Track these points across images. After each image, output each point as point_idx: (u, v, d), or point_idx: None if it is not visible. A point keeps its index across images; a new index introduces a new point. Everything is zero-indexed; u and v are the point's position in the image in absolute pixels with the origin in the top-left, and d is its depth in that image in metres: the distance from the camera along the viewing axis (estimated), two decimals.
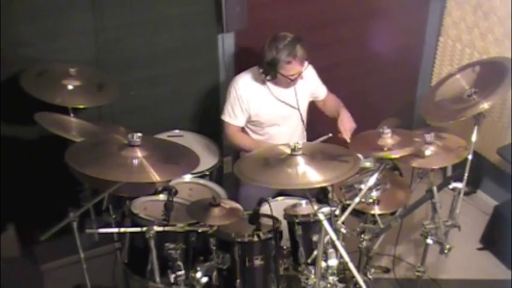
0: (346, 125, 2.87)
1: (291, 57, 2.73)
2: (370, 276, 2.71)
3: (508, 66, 2.44)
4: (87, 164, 2.02)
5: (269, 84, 2.88)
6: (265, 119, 2.94)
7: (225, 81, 3.22)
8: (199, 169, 2.66)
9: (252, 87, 2.88)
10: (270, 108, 2.91)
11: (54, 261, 3.15)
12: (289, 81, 2.81)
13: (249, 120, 2.96)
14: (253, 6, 3.11)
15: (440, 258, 2.63)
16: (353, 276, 2.20)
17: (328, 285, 2.25)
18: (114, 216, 2.59)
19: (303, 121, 3.00)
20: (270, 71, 2.77)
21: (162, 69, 3.09)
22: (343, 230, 2.36)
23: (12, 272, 2.78)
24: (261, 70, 2.81)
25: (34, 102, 2.42)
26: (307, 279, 2.33)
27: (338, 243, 2.08)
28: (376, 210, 2.57)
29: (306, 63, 2.84)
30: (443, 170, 3.01)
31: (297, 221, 2.39)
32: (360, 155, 2.28)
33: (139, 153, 2.07)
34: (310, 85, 3.02)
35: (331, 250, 2.18)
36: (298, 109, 2.94)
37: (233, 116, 2.90)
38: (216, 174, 2.92)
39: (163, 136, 2.99)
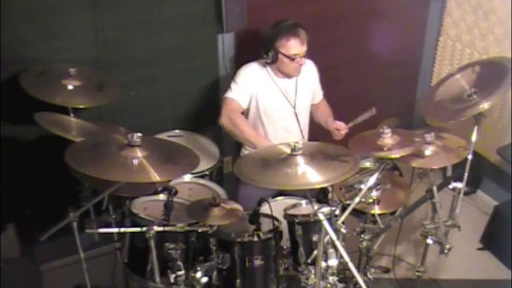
0: (341, 125, 2.90)
1: (291, 34, 2.73)
2: (370, 276, 2.71)
3: (508, 66, 2.44)
4: (87, 164, 2.02)
5: (274, 77, 2.87)
6: (265, 110, 2.91)
7: (225, 81, 3.22)
8: (199, 169, 2.66)
9: (258, 74, 2.87)
10: (270, 100, 2.89)
11: (54, 261, 3.15)
12: (291, 66, 2.78)
13: (252, 113, 2.94)
14: (253, 6, 3.11)
15: (440, 258, 2.63)
16: (353, 276, 2.20)
17: (328, 285, 2.25)
18: (114, 216, 2.58)
19: (298, 122, 2.96)
20: (270, 50, 2.76)
21: (162, 69, 3.08)
22: (343, 230, 2.36)
23: (12, 272, 2.78)
24: (262, 52, 2.79)
25: (34, 102, 2.42)
26: (307, 279, 2.33)
27: (338, 243, 2.08)
28: (376, 210, 2.58)
29: (308, 61, 2.85)
30: (443, 170, 3.01)
31: (297, 221, 2.39)
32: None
33: (139, 153, 2.07)
34: (312, 83, 3.01)
35: (331, 250, 2.18)
36: (294, 107, 2.92)
37: (238, 91, 2.82)
38: (216, 174, 2.92)
39: (163, 136, 2.98)
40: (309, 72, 2.97)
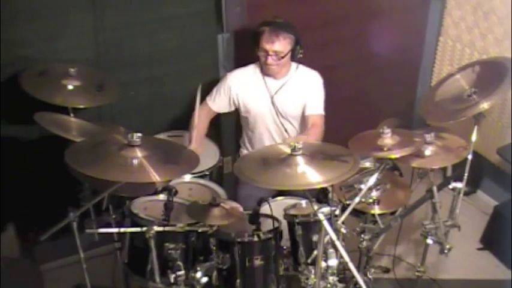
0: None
1: (267, 29, 2.77)
2: (370, 276, 2.71)
3: (508, 66, 2.44)
4: (87, 164, 2.02)
5: (264, 75, 2.90)
6: (252, 113, 2.95)
7: None
8: (199, 169, 2.66)
9: (244, 80, 2.93)
10: (251, 96, 2.93)
11: (54, 261, 3.15)
12: (262, 60, 2.83)
13: (241, 114, 3.02)
14: (253, 6, 3.11)
15: (440, 258, 2.63)
16: (353, 276, 2.20)
17: (328, 285, 2.25)
18: (114, 216, 2.58)
19: (281, 123, 2.95)
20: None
21: (162, 69, 3.08)
22: (343, 230, 2.36)
23: (12, 272, 2.78)
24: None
25: (34, 102, 2.42)
26: (307, 279, 2.33)
27: (338, 243, 2.08)
28: (376, 210, 2.57)
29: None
30: (443, 170, 3.01)
31: (297, 221, 2.39)
32: None
33: (139, 153, 2.07)
34: (305, 92, 2.92)
35: (331, 250, 2.18)
36: (273, 106, 2.92)
37: (213, 99, 3.00)
38: (216, 174, 2.92)
39: (163, 136, 2.99)
40: (306, 80, 2.93)
